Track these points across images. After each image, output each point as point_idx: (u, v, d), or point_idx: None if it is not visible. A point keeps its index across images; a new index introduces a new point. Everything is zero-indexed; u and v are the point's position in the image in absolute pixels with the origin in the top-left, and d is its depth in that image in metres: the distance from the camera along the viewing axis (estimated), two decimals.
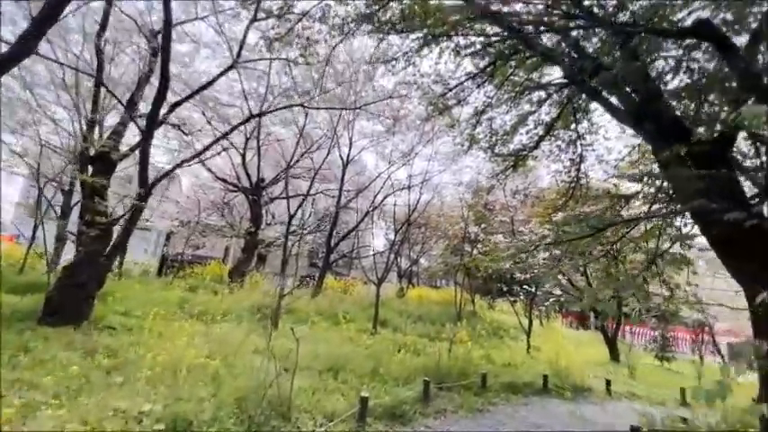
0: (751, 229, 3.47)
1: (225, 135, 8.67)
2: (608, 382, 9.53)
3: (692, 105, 5.27)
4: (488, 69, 9.21)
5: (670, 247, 6.30)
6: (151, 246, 27.94)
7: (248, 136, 15.64)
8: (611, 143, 9.56)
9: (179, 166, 7.60)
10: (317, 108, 8.43)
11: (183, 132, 9.61)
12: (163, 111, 7.47)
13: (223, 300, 10.53)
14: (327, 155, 14.47)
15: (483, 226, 12.05)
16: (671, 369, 14.36)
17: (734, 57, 3.60)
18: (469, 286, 15.55)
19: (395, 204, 13.31)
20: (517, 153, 10.86)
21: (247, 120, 7.70)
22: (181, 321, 6.49)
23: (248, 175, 16.88)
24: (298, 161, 17.34)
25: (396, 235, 12.63)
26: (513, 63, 9.34)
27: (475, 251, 12.10)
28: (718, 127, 4.61)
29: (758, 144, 4.55)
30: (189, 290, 11.58)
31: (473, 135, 10.84)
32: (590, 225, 4.77)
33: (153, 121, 6.13)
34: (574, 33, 5.86)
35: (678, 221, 6.66)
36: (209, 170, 17.58)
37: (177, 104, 7.60)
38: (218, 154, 13.96)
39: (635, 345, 18.91)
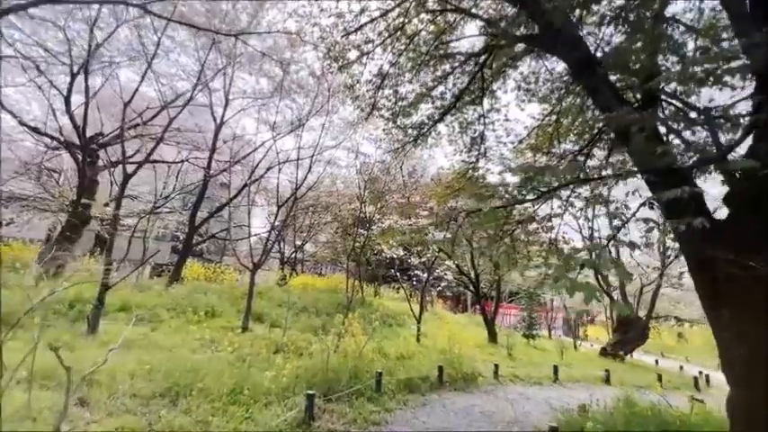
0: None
1: None
2: (496, 367, 9.40)
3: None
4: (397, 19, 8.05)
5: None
6: None
7: (75, 71, 11.44)
8: (510, 125, 9.28)
9: None
10: (168, 20, 5.81)
11: None
12: None
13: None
14: (189, 100, 11.39)
15: (379, 206, 10.93)
16: (536, 346, 15.70)
17: None
18: (359, 272, 14.42)
19: (278, 179, 11.22)
20: (420, 126, 10.01)
21: (30, 5, 4.69)
22: None
23: (76, 127, 12.51)
24: (154, 116, 13.64)
25: (277, 213, 10.55)
26: (424, 17, 8.32)
27: (369, 233, 10.90)
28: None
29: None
30: None
31: (375, 99, 9.61)
32: (532, 187, 3.89)
33: None
34: None
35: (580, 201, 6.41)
36: (12, 113, 12.54)
37: None
38: None
39: (501, 325, 20.61)
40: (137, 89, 8.90)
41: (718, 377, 14.23)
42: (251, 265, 9.69)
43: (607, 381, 10.72)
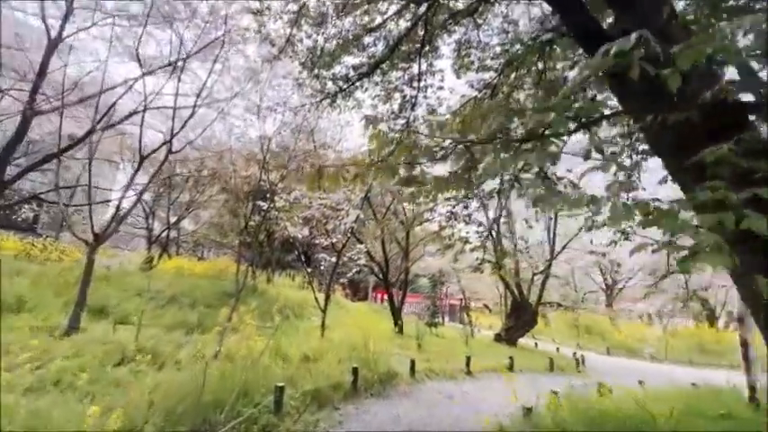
0: None
1: None
2: (412, 363, 8.37)
3: None
4: None
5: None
6: None
7: None
8: (445, 94, 8.24)
9: None
10: None
11: None
12: None
13: None
14: None
15: (282, 173, 8.85)
16: (438, 335, 15.46)
17: None
18: (253, 256, 12.08)
19: (141, 126, 8.21)
20: (344, 79, 8.39)
21: None
22: None
23: None
24: None
25: (139, 166, 7.61)
26: None
27: (271, 206, 8.75)
28: None
29: None
30: None
31: (290, 35, 7.68)
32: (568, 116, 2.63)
33: None
34: None
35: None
36: None
37: None
38: None
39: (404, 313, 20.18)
40: None
41: (589, 357, 15.97)
42: (92, 236, 6.72)
43: (510, 368, 10.71)
